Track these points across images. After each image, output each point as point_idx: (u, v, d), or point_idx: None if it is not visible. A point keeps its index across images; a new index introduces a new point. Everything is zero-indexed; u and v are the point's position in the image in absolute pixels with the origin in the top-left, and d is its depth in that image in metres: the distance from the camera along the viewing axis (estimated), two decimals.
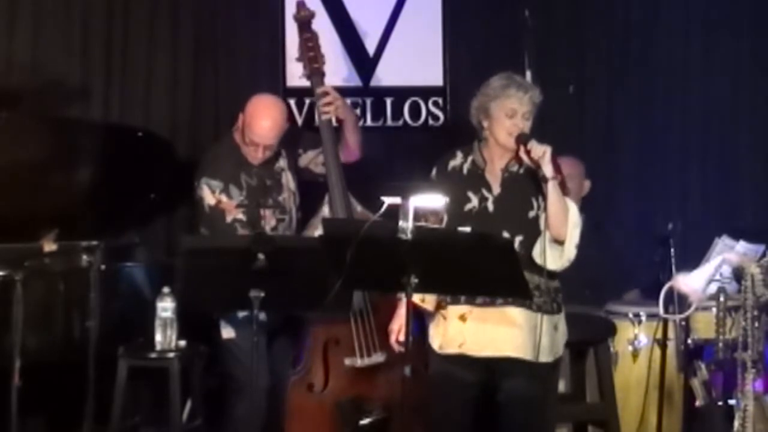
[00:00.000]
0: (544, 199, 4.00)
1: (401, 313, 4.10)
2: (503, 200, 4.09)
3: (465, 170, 4.16)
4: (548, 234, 3.98)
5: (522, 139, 4.00)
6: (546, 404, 4.20)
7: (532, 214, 4.08)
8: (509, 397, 4.08)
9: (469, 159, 4.17)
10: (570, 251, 4.03)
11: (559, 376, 4.95)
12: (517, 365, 4.03)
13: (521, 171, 4.11)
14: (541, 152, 3.95)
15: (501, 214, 4.07)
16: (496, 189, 4.11)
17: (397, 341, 4.15)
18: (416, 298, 4.00)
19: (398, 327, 4.13)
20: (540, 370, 4.07)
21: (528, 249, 4.04)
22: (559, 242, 4.02)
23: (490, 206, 4.10)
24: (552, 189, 3.94)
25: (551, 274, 4.04)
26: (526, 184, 4.09)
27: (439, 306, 4.13)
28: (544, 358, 4.07)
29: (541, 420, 4.17)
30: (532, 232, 4.05)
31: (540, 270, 4.02)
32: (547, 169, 3.94)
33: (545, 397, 4.18)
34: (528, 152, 3.98)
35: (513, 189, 4.10)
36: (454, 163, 4.18)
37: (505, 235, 4.01)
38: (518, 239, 4.03)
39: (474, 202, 4.11)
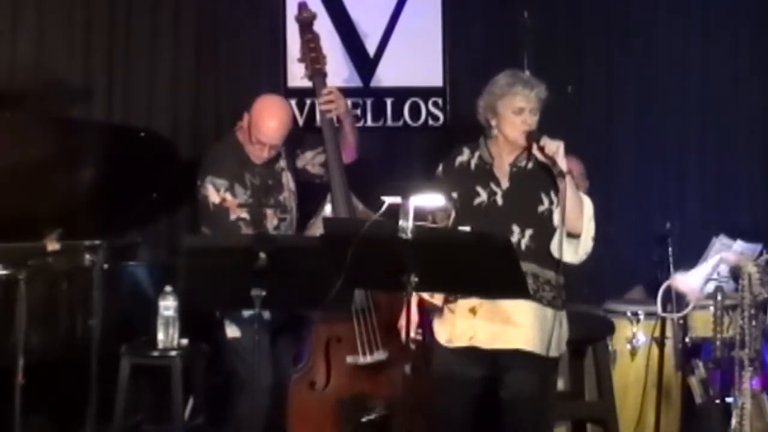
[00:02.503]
0: (557, 194, 4.04)
1: (411, 310, 4.15)
2: (512, 194, 4.12)
3: (473, 166, 4.19)
4: (564, 228, 4.00)
5: (533, 137, 4.04)
6: (547, 400, 4.23)
7: (541, 208, 4.11)
8: (513, 392, 4.10)
9: (476, 155, 4.20)
10: (587, 244, 4.08)
11: (557, 373, 5.00)
12: (525, 359, 4.06)
13: (529, 166, 4.14)
14: (555, 147, 3.99)
15: (510, 208, 4.10)
16: (505, 183, 4.14)
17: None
18: (424, 294, 4.03)
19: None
20: (545, 365, 4.11)
21: (538, 242, 4.07)
22: (575, 235, 4.05)
23: (500, 200, 4.13)
24: (568, 183, 3.97)
25: (561, 270, 4.08)
26: (535, 179, 4.12)
27: (447, 300, 4.15)
28: (554, 352, 4.11)
29: (542, 416, 4.20)
30: (543, 226, 4.08)
31: (552, 265, 4.06)
32: (563, 164, 3.97)
33: (547, 394, 4.21)
34: (542, 149, 4.01)
35: (522, 183, 4.13)
36: (461, 159, 4.21)
37: (515, 228, 4.05)
38: (528, 233, 4.07)
39: (483, 196, 4.14)
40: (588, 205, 4.09)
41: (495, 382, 4.15)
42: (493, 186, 4.14)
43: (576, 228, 4.04)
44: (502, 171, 4.16)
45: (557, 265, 4.05)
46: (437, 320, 4.21)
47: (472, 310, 4.10)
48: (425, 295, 4.09)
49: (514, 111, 4.08)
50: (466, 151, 4.22)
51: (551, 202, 4.10)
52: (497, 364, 4.12)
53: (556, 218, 4.07)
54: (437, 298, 4.14)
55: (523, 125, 4.07)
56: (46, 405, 5.06)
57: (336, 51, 5.72)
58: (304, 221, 4.93)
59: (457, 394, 4.16)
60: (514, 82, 4.11)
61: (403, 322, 4.17)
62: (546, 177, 4.09)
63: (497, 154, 4.18)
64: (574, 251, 4.06)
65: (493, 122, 4.14)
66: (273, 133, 4.71)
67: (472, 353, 4.11)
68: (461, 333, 4.12)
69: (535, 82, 4.15)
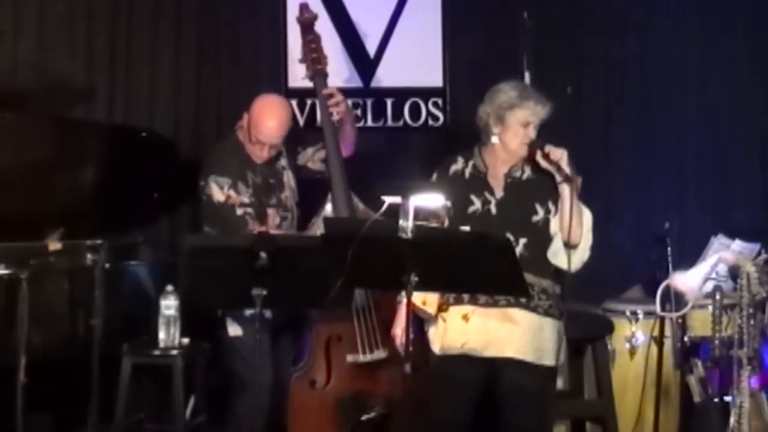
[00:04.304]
0: (554, 203, 4.07)
1: (403, 316, 4.17)
2: (506, 204, 4.13)
3: (467, 174, 4.20)
4: (563, 236, 4.02)
5: (536, 145, 4.06)
6: (545, 400, 4.24)
7: (536, 218, 4.12)
8: (509, 390, 4.10)
9: (471, 163, 4.21)
10: (585, 253, 4.09)
11: (556, 376, 5.01)
12: (519, 366, 4.06)
13: (524, 177, 4.16)
14: (560, 154, 4.01)
15: (504, 217, 4.11)
16: (499, 193, 4.15)
17: (403, 344, 4.20)
18: (418, 301, 4.04)
19: (401, 331, 4.17)
20: (541, 373, 4.10)
21: (533, 251, 4.07)
22: (572, 245, 4.06)
23: (493, 209, 4.14)
24: (573, 190, 3.99)
25: (556, 278, 4.11)
26: (529, 189, 4.14)
27: (440, 309, 4.17)
28: (549, 361, 4.11)
29: (540, 416, 4.21)
30: (537, 235, 4.09)
31: (549, 273, 4.09)
32: (569, 170, 4.00)
33: (544, 393, 4.21)
34: (546, 156, 4.03)
35: (516, 194, 4.15)
36: (455, 167, 4.23)
37: (509, 237, 4.04)
38: (522, 242, 4.07)
39: (477, 204, 4.15)
40: (587, 216, 4.11)
41: (492, 384, 4.16)
42: (487, 195, 4.16)
43: (575, 236, 4.05)
44: (497, 181, 4.18)
45: (554, 273, 4.08)
46: (431, 328, 4.21)
47: (465, 317, 4.11)
48: (418, 303, 4.10)
49: (522, 123, 4.09)
50: (460, 160, 4.24)
51: (547, 212, 4.11)
52: (492, 368, 4.12)
53: (554, 226, 4.09)
54: (430, 305, 4.15)
55: (526, 137, 4.09)
56: (48, 403, 5.08)
57: (336, 51, 5.74)
58: (305, 220, 4.96)
59: (455, 397, 4.16)
60: (528, 96, 4.11)
61: (396, 330, 4.22)
62: (541, 187, 4.11)
63: (492, 164, 4.19)
64: (570, 259, 4.09)
65: (496, 130, 4.13)
66: (272, 132, 4.73)
67: (466, 359, 4.11)
68: (454, 340, 4.13)
69: (546, 100, 4.15)
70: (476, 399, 4.19)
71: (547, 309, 4.10)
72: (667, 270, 4.90)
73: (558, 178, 4.02)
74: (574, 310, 4.96)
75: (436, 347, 4.18)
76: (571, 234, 4.02)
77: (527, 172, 4.16)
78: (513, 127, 4.10)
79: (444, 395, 4.17)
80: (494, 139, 4.14)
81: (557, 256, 4.06)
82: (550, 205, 4.10)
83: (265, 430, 4.71)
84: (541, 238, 4.10)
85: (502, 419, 4.17)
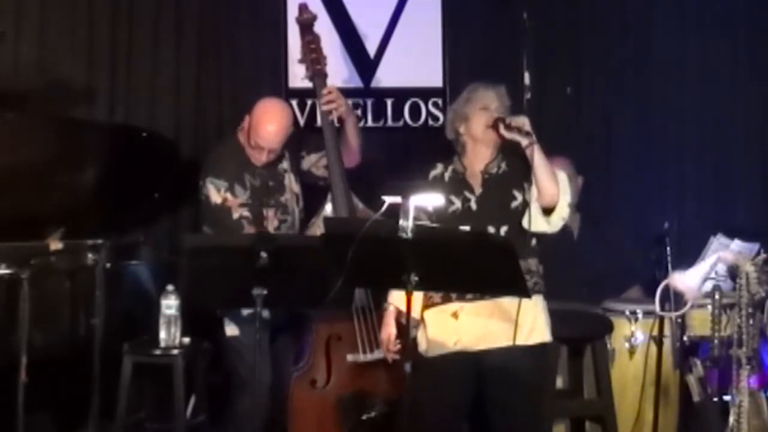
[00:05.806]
0: (530, 185, 4.10)
1: (388, 321, 4.22)
2: (485, 198, 4.20)
3: (446, 178, 4.28)
4: (541, 200, 4.09)
5: (498, 121, 4.15)
6: (540, 378, 4.27)
7: (515, 204, 4.18)
8: (500, 374, 4.12)
9: (450, 168, 4.29)
10: (564, 209, 4.14)
11: (556, 365, 5.02)
12: (512, 353, 4.09)
13: (500, 171, 4.23)
14: (522, 122, 4.10)
15: (484, 211, 4.18)
16: (478, 189, 4.22)
17: (389, 350, 4.23)
18: (402, 307, 4.05)
19: (387, 336, 4.23)
20: (535, 355, 4.14)
21: (515, 236, 4.10)
22: (550, 209, 4.11)
23: (474, 206, 4.20)
24: (537, 152, 4.05)
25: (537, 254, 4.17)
26: (506, 181, 4.21)
27: (426, 307, 4.18)
28: (544, 337, 4.16)
29: (539, 404, 4.23)
30: (518, 219, 4.15)
31: (531, 252, 4.13)
32: (532, 133, 4.06)
33: (538, 372, 4.24)
34: (508, 125, 4.11)
35: (494, 187, 4.22)
36: (435, 172, 4.30)
37: (490, 229, 4.11)
38: (504, 229, 4.13)
39: (457, 204, 4.21)
40: (561, 175, 4.18)
41: (484, 375, 4.16)
42: (466, 193, 4.22)
43: (553, 197, 4.10)
44: (475, 178, 4.25)
45: (534, 250, 4.14)
46: (418, 332, 4.22)
47: (454, 315, 4.14)
48: (402, 309, 4.10)
49: (480, 108, 4.21)
50: (440, 166, 4.32)
51: (524, 192, 4.17)
52: (485, 363, 4.13)
53: (531, 195, 4.13)
54: (414, 310, 4.15)
55: (489, 119, 4.18)
56: (49, 403, 5.08)
57: (336, 51, 5.75)
58: (305, 221, 4.96)
59: (448, 399, 4.17)
60: (477, 86, 4.29)
61: (382, 335, 4.26)
62: (517, 175, 4.18)
63: (469, 164, 4.27)
64: (546, 222, 4.13)
65: (462, 129, 4.26)
66: (271, 137, 4.73)
67: (458, 356, 4.13)
68: (446, 339, 4.14)
69: (497, 85, 4.29)
70: (470, 395, 4.20)
71: (533, 287, 4.13)
72: (667, 270, 4.90)
73: (523, 142, 4.08)
74: (573, 309, 4.98)
75: (423, 348, 4.20)
76: (548, 194, 4.08)
77: (503, 166, 4.24)
78: (473, 115, 4.23)
79: (437, 396, 4.17)
80: (462, 139, 4.25)
81: (535, 221, 4.11)
82: (526, 186, 4.17)
83: (265, 430, 4.72)
84: (521, 220, 4.15)
85: (497, 405, 4.17)
